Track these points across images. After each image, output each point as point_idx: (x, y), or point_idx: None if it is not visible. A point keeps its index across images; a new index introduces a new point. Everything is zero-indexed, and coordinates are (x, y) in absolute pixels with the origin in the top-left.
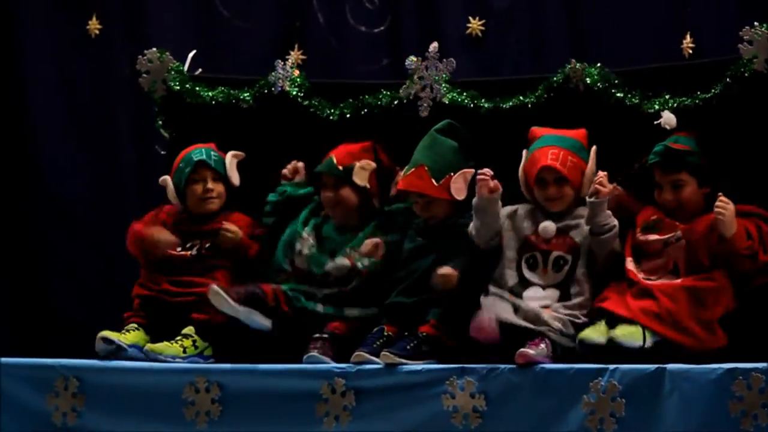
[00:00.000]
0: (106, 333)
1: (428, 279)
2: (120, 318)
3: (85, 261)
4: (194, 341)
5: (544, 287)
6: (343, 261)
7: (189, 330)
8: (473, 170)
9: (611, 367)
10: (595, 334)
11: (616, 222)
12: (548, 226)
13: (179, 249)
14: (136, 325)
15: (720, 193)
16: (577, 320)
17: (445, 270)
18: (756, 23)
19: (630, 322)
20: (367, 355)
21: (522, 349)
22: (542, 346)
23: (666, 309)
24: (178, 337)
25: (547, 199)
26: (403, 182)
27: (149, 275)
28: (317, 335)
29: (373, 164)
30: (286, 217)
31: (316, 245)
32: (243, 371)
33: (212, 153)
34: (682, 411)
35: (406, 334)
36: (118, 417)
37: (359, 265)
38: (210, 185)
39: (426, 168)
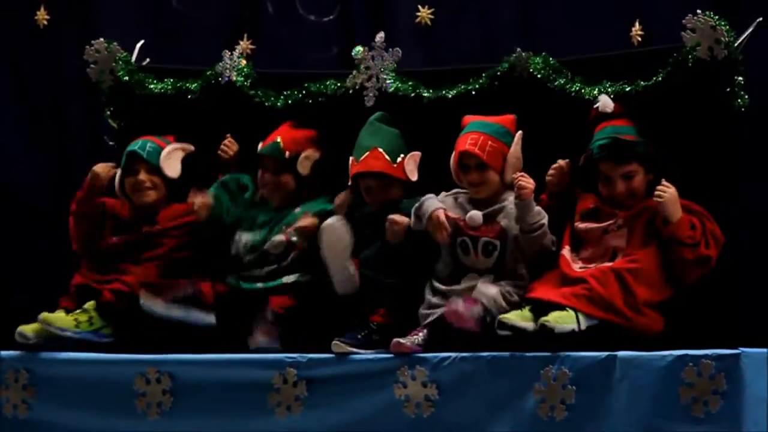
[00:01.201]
0: (21, 329)
1: (375, 268)
2: None
3: (35, 251)
4: (90, 318)
5: (479, 273)
6: (279, 237)
7: (90, 305)
8: (420, 153)
9: (562, 354)
10: (517, 317)
11: (545, 219)
12: (474, 215)
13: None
14: (63, 311)
15: (663, 179)
16: (510, 297)
17: (394, 217)
18: (699, 11)
19: (561, 307)
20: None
21: (455, 311)
22: (476, 308)
23: (597, 292)
24: (77, 311)
25: (470, 184)
26: (361, 165)
27: (87, 264)
28: (261, 316)
29: (317, 155)
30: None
31: (251, 239)
32: (194, 362)
33: (148, 144)
34: (632, 398)
35: (356, 323)
36: (69, 409)
37: (294, 239)
38: (142, 176)
39: (381, 150)
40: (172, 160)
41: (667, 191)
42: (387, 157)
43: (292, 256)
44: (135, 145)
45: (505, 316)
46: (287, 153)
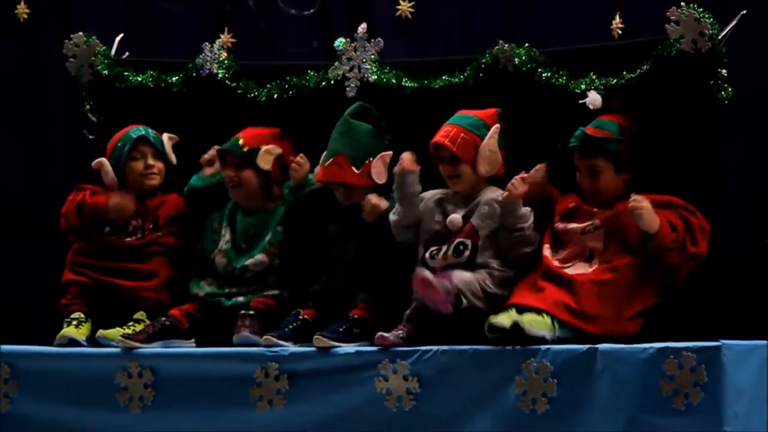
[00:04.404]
0: (69, 333)
1: (352, 263)
2: (50, 302)
3: (14, 246)
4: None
5: (451, 268)
6: (261, 257)
7: (141, 315)
8: (391, 153)
9: (543, 347)
10: (506, 319)
11: (528, 222)
12: (454, 219)
13: (122, 236)
14: (83, 316)
15: (632, 193)
16: (486, 286)
17: (373, 200)
18: (683, 3)
19: (539, 311)
20: (275, 339)
21: (424, 277)
22: (446, 282)
23: (577, 302)
24: (130, 323)
25: (445, 176)
26: (323, 173)
27: (83, 260)
28: (243, 312)
29: (279, 150)
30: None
31: (231, 239)
32: (176, 355)
33: (150, 130)
34: (613, 391)
35: (338, 317)
36: (50, 403)
37: (277, 261)
38: (150, 161)
39: (345, 156)
40: (170, 147)
41: (644, 205)
42: (350, 163)
43: (272, 279)
44: (139, 131)
45: (494, 320)
46: (246, 147)
